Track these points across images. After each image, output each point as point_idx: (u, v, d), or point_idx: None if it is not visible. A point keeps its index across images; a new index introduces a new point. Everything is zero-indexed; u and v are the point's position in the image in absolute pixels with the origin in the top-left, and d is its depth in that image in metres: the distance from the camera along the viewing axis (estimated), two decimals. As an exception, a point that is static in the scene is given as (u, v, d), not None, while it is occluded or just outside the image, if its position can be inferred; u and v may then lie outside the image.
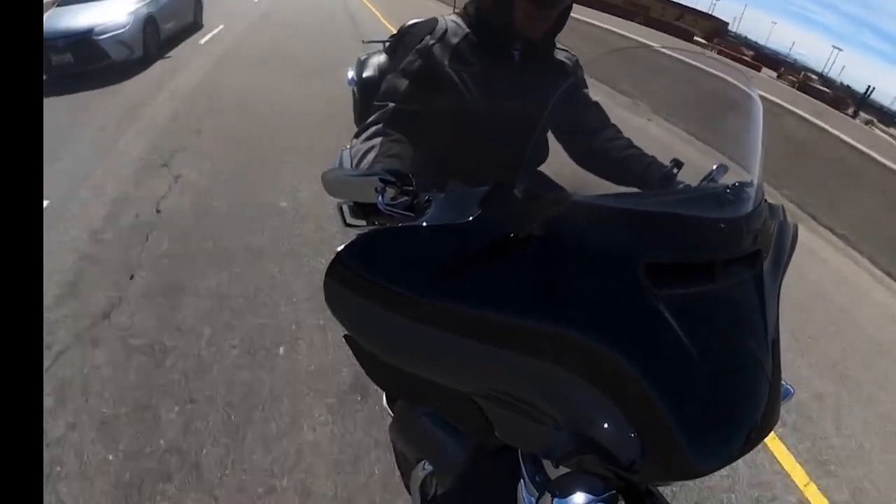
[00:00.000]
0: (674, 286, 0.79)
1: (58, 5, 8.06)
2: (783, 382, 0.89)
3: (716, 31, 75.67)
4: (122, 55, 7.49)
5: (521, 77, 1.35)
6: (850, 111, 43.03)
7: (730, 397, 0.78)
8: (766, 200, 0.99)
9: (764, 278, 0.90)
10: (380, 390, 2.24)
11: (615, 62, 1.12)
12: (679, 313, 0.77)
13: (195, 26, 10.92)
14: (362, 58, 1.83)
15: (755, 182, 0.98)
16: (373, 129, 1.26)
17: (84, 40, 7.07)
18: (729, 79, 1.17)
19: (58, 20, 7.25)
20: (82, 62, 7.08)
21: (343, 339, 0.91)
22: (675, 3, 78.24)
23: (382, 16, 14.16)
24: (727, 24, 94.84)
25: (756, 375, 0.82)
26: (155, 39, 8.46)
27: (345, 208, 1.18)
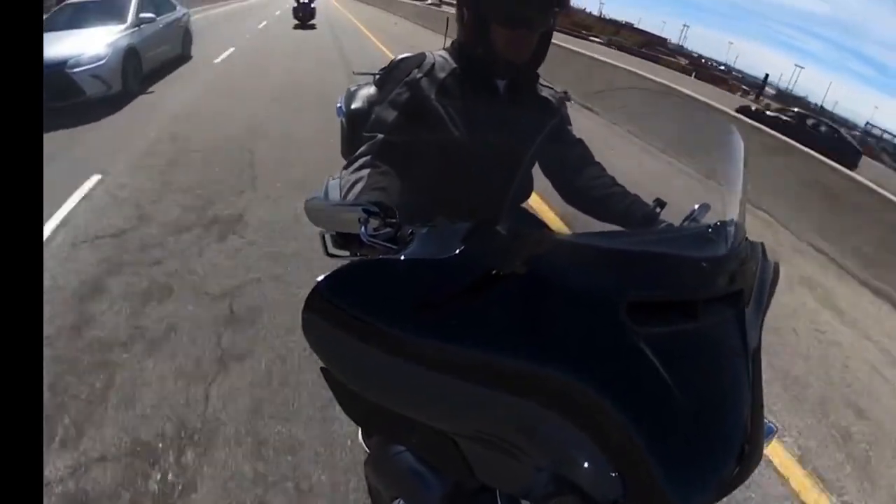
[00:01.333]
0: (655, 324, 0.79)
1: None
2: (766, 421, 0.89)
3: (646, 44, 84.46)
4: (99, 91, 6.81)
5: (507, 111, 1.38)
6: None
7: (712, 436, 0.77)
8: (747, 239, 1.00)
9: (746, 317, 0.91)
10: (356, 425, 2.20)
11: (600, 101, 1.14)
12: (660, 351, 0.77)
13: (182, 59, 10.48)
14: (352, 89, 1.84)
15: (735, 221, 0.99)
16: (361, 160, 1.26)
17: (56, 73, 6.30)
18: (711, 120, 1.19)
19: None
20: (53, 98, 6.26)
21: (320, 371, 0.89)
22: (612, 21, 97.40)
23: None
24: (665, 39, 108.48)
25: (738, 414, 0.82)
26: (136, 73, 7.86)
27: (327, 238, 1.17)
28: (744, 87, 70.39)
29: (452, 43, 1.46)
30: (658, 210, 1.30)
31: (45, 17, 7.65)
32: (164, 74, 9.16)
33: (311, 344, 0.87)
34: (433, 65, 1.38)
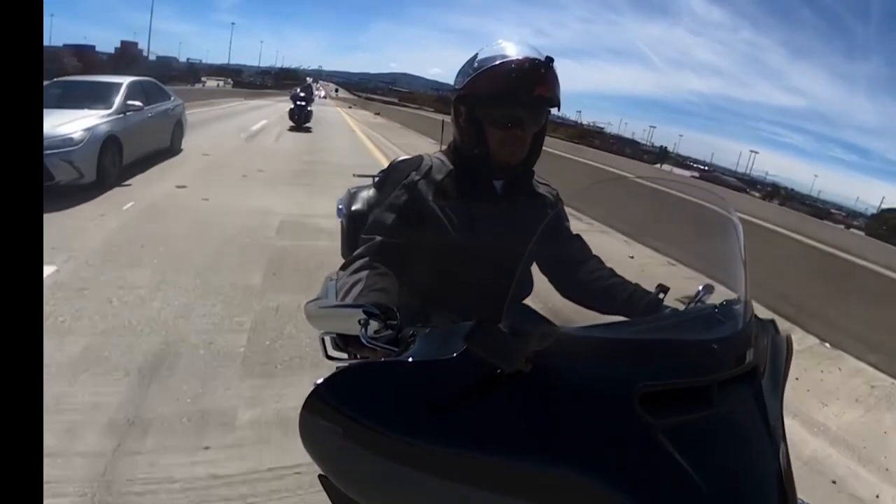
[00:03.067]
0: (671, 414, 0.76)
1: None
2: (799, 500, 0.86)
3: (580, 135, 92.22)
4: (70, 178, 6.15)
5: (504, 210, 1.39)
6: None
7: None
8: (755, 316, 0.98)
9: (764, 395, 0.88)
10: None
11: (593, 193, 1.16)
12: (680, 443, 0.74)
13: (171, 151, 9.73)
14: (352, 191, 1.88)
15: (742, 298, 0.98)
16: (359, 261, 1.27)
17: None
18: (707, 204, 1.20)
19: None
20: None
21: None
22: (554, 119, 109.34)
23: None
24: (601, 128, 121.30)
25: (767, 498, 0.78)
26: (115, 163, 7.15)
27: (327, 340, 1.16)
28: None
29: (448, 145, 1.50)
30: (661, 296, 1.29)
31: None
32: (148, 167, 8.37)
33: (309, 449, 0.84)
34: (430, 167, 1.42)
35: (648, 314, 1.26)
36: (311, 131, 18.16)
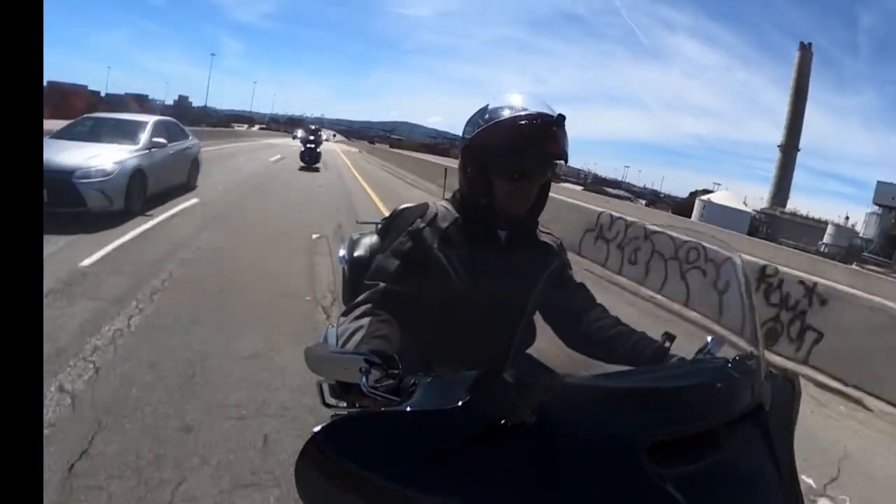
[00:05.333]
0: (680, 462, 0.75)
1: (54, 136, 7.92)
2: None
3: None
4: (100, 205, 6.82)
5: (509, 259, 1.38)
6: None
7: None
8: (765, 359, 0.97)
9: (772, 434, 0.87)
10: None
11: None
12: (690, 493, 0.72)
13: (187, 187, 10.31)
14: (354, 237, 1.86)
15: (756, 353, 0.97)
16: (361, 308, 1.26)
17: (63, 181, 6.46)
18: (711, 248, 1.19)
19: (45, 152, 6.26)
20: (56, 203, 6.28)
21: None
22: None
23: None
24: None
25: None
26: (140, 194, 7.86)
27: (325, 387, 1.13)
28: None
29: (454, 193, 1.51)
30: (668, 345, 1.27)
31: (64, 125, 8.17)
32: (166, 200, 8.84)
33: (306, 500, 0.82)
34: (436, 215, 1.42)
35: (654, 363, 1.24)
36: (318, 170, 19.45)
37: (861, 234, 51.80)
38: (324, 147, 22.72)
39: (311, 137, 20.54)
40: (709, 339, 1.20)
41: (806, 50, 71.66)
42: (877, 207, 51.28)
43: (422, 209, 1.44)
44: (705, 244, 1.23)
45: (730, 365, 0.98)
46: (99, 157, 7.10)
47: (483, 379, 0.76)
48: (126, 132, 8.44)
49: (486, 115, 1.33)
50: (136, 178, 7.64)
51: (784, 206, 64.45)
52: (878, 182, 50.87)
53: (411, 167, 24.82)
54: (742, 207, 48.89)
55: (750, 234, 31.94)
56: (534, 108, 1.29)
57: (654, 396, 0.83)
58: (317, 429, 0.77)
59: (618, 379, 0.94)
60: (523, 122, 1.27)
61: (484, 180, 1.35)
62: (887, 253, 44.26)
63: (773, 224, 55.45)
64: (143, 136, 8.47)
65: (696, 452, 0.77)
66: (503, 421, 0.73)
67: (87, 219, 6.51)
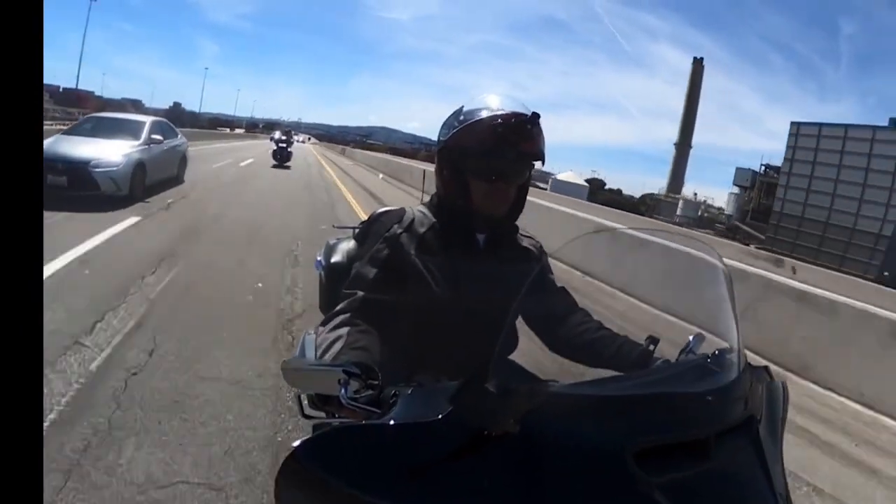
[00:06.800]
0: (668, 470, 0.74)
1: (64, 133, 9.54)
2: None
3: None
4: (111, 189, 8.26)
5: (488, 265, 1.36)
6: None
7: None
8: (749, 364, 0.97)
9: (763, 443, 0.86)
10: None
11: (580, 246, 1.15)
12: (679, 501, 0.71)
13: (176, 180, 11.61)
14: (331, 242, 1.83)
15: (735, 347, 0.96)
16: (340, 318, 1.23)
17: (81, 169, 7.98)
18: (693, 252, 1.19)
19: (61, 146, 8.34)
20: (75, 187, 7.85)
21: None
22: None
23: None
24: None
25: None
26: (141, 183, 9.21)
27: (304, 398, 1.11)
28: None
29: (431, 198, 1.49)
30: (652, 347, 1.26)
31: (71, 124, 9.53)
32: (160, 191, 10.07)
33: None
34: (413, 220, 1.39)
35: (639, 367, 1.22)
36: (290, 168, 21.04)
37: (725, 211, 62.18)
38: (300, 147, 29.81)
39: (284, 138, 22.17)
40: (690, 337, 1.19)
41: (698, 63, 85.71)
42: (735, 188, 59.89)
43: (399, 214, 1.41)
44: (676, 245, 1.22)
45: (709, 360, 0.97)
46: (109, 151, 8.53)
47: (465, 389, 0.74)
48: (128, 130, 9.77)
49: (462, 117, 1.32)
50: (138, 169, 9.03)
51: (679, 192, 75.83)
52: (737, 168, 60.17)
53: (361, 158, 37.35)
54: (581, 182, 59.39)
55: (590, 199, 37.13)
56: (510, 109, 1.28)
57: (641, 403, 0.82)
58: (297, 443, 0.75)
59: (603, 386, 0.92)
60: (498, 121, 1.26)
61: (460, 183, 1.33)
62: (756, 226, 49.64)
63: (658, 205, 67.96)
64: (143, 134, 9.79)
65: (684, 461, 0.76)
66: (486, 431, 0.71)
67: (100, 200, 7.90)
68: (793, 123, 46.56)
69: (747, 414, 0.87)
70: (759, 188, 53.01)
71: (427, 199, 1.52)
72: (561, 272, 1.52)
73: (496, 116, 1.26)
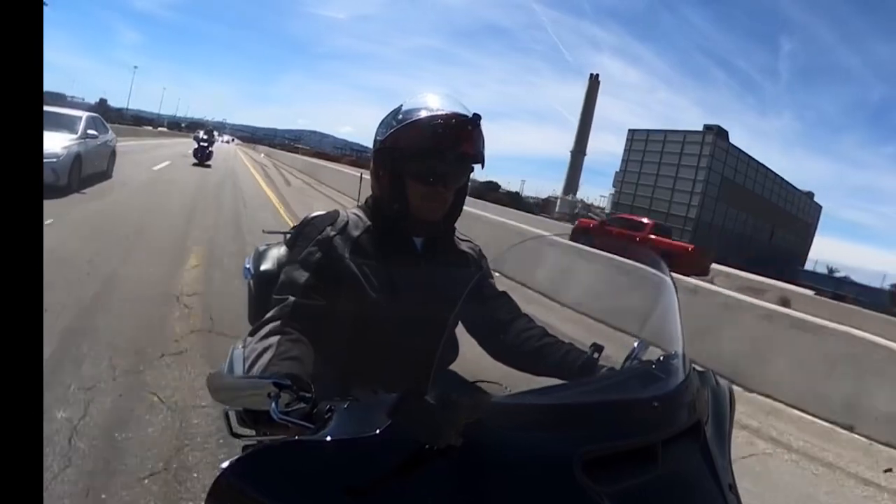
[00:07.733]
0: (616, 479, 0.73)
1: None
2: None
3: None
4: (50, 180, 8.52)
5: (425, 269, 1.33)
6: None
7: None
8: (694, 369, 0.97)
9: (710, 448, 0.87)
10: None
11: (518, 256, 1.14)
12: None
13: (105, 175, 12.05)
14: (261, 249, 1.74)
15: (679, 352, 0.97)
16: (270, 326, 1.16)
17: None
18: (638, 264, 1.20)
19: None
20: None
21: None
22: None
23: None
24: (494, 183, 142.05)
25: None
26: (77, 175, 9.67)
27: (232, 415, 1.03)
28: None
29: (366, 200, 1.44)
30: (596, 355, 1.25)
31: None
32: (93, 184, 10.55)
33: None
34: (347, 222, 1.34)
35: (584, 375, 1.22)
36: (211, 167, 21.53)
37: (606, 210, 70.11)
38: (225, 148, 31.30)
39: (205, 137, 22.71)
40: (635, 344, 1.19)
41: (594, 80, 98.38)
42: (613, 189, 69.95)
43: (332, 217, 1.36)
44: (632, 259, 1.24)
45: (654, 367, 0.98)
46: (51, 142, 8.80)
47: (404, 401, 0.70)
48: (64, 123, 10.13)
49: (400, 116, 1.28)
50: (76, 161, 9.57)
51: (575, 195, 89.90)
52: (616, 172, 69.39)
53: (279, 157, 42.48)
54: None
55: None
56: (450, 109, 1.25)
57: (587, 411, 0.82)
58: (225, 464, 0.70)
59: (548, 394, 0.91)
60: (438, 121, 1.22)
61: (398, 184, 1.29)
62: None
63: (548, 205, 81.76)
64: (80, 128, 10.31)
65: (633, 468, 0.76)
66: (428, 446, 0.68)
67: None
68: (630, 130, 65.38)
69: (694, 418, 0.88)
70: (618, 187, 66.14)
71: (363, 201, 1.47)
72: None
73: (436, 116, 1.23)
